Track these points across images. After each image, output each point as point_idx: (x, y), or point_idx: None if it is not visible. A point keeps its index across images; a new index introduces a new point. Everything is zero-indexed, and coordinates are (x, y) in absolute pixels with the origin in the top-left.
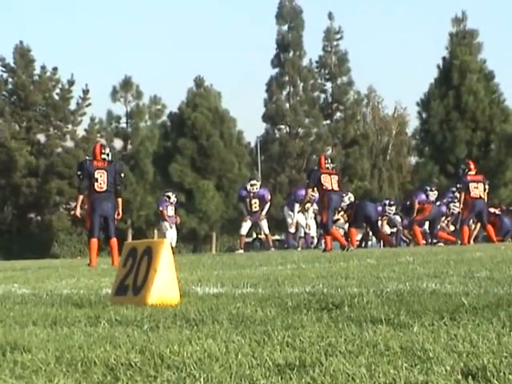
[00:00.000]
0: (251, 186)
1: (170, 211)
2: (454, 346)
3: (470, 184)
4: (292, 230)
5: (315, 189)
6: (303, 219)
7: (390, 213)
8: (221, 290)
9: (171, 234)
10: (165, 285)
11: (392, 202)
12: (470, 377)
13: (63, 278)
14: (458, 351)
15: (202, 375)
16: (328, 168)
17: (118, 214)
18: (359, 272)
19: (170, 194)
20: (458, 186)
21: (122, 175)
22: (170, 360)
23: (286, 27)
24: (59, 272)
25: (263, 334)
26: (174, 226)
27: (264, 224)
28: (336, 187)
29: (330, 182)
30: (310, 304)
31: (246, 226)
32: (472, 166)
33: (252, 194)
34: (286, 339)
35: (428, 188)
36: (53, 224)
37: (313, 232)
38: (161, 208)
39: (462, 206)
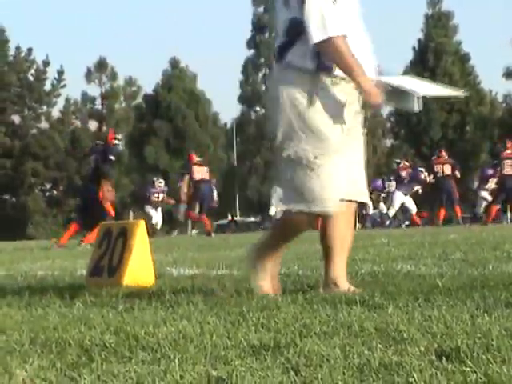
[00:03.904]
0: None
1: (155, 197)
2: (428, 328)
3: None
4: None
5: None
6: None
7: (390, 189)
8: (196, 271)
9: (157, 218)
10: (140, 266)
11: (392, 178)
12: (443, 357)
13: (38, 259)
14: (432, 332)
15: (176, 356)
16: None
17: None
18: None
19: (155, 179)
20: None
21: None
22: (144, 341)
23: (261, 9)
24: (34, 253)
25: (238, 315)
26: (159, 210)
27: None
28: None
29: None
30: (285, 285)
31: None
32: (509, 145)
33: None
34: (260, 320)
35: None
36: (28, 205)
37: None
38: (147, 193)
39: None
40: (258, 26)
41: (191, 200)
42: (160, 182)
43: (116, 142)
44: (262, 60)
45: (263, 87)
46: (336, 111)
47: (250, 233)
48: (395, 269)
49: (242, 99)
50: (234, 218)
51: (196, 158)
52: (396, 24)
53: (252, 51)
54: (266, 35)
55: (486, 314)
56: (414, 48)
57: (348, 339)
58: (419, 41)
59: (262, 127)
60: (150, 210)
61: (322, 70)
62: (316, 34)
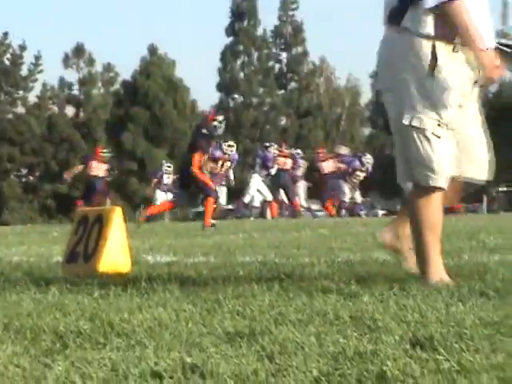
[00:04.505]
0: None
1: (166, 179)
2: (403, 316)
3: None
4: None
5: None
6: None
7: (368, 167)
8: (173, 258)
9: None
10: (115, 253)
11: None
12: (418, 346)
13: (13, 245)
14: (406, 321)
15: (151, 343)
16: None
17: None
18: (311, 242)
19: (164, 162)
20: None
21: None
22: (119, 328)
23: None
24: (9, 239)
25: (214, 302)
26: (169, 194)
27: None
28: None
29: None
30: (261, 273)
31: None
32: None
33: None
34: (236, 308)
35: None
36: (3, 191)
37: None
38: (157, 177)
39: None
40: (237, 13)
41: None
42: (168, 166)
43: (215, 123)
44: (241, 47)
45: (241, 75)
46: (454, 81)
47: (228, 220)
48: (371, 257)
49: (220, 87)
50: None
51: (101, 153)
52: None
53: (231, 38)
54: (245, 22)
55: (460, 304)
56: None
57: (323, 327)
58: None
59: (241, 115)
60: (159, 193)
61: (441, 37)
62: None
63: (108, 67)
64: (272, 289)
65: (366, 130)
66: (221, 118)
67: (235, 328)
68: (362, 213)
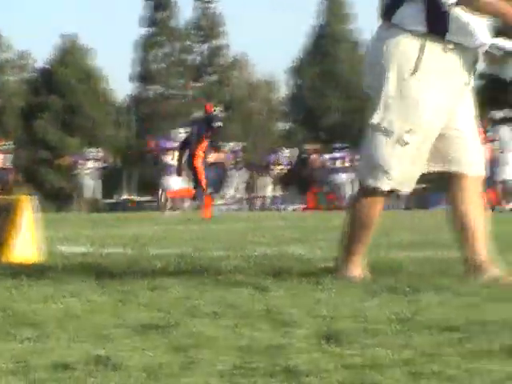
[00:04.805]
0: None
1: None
2: (316, 310)
3: None
4: None
5: None
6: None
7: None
8: (89, 249)
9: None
10: (26, 242)
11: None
12: (330, 340)
13: None
14: (319, 315)
15: (63, 334)
16: None
17: None
18: (229, 235)
19: None
20: None
21: None
22: (31, 318)
23: None
24: None
25: (128, 294)
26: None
27: None
28: None
29: None
30: (178, 266)
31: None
32: None
33: None
34: (151, 300)
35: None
36: None
37: None
38: None
39: None
40: (155, 4)
41: None
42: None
43: (216, 112)
44: (159, 38)
45: (159, 66)
46: (440, 82)
47: (144, 212)
48: (288, 252)
49: (138, 77)
50: (129, 197)
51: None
52: (294, 9)
53: (149, 29)
54: (163, 13)
55: (373, 299)
56: (311, 33)
57: (236, 320)
58: (316, 26)
59: (158, 106)
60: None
61: (433, 34)
62: None
63: (23, 54)
64: (188, 281)
65: (283, 125)
66: (219, 107)
67: (149, 320)
68: (282, 207)
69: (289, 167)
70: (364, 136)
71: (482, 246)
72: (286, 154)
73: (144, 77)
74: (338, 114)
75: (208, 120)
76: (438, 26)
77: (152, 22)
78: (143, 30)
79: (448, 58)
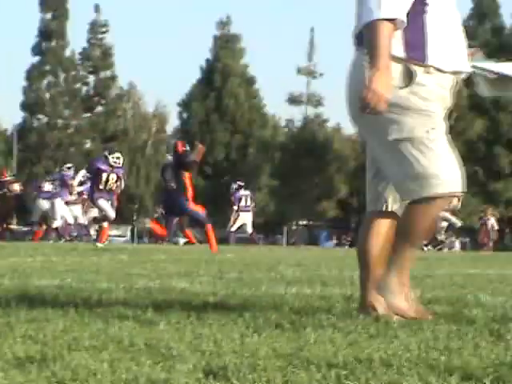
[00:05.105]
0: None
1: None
2: (198, 345)
3: None
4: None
5: None
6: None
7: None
8: None
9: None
10: None
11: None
12: (211, 375)
13: None
14: (201, 350)
15: None
16: None
17: None
18: (110, 267)
19: None
20: None
21: None
22: None
23: (49, 15)
24: None
25: (5, 326)
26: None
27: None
28: None
29: None
30: (58, 297)
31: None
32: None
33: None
34: (28, 332)
35: None
36: None
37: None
38: None
39: None
40: (45, 33)
41: None
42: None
43: (187, 151)
44: (48, 67)
45: (47, 95)
46: (428, 98)
47: (26, 242)
48: (170, 285)
49: (24, 106)
50: (10, 226)
51: None
52: (186, 43)
53: (37, 58)
54: (53, 43)
55: (255, 334)
56: (201, 68)
57: (117, 354)
58: (207, 61)
59: (44, 135)
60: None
61: (412, 59)
62: (369, 13)
63: None
64: (67, 314)
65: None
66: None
67: (26, 353)
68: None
69: None
70: (386, 155)
71: (374, 283)
72: None
73: (31, 106)
74: (226, 148)
75: (180, 159)
76: (416, 51)
77: (41, 51)
78: (35, 59)
79: (430, 80)
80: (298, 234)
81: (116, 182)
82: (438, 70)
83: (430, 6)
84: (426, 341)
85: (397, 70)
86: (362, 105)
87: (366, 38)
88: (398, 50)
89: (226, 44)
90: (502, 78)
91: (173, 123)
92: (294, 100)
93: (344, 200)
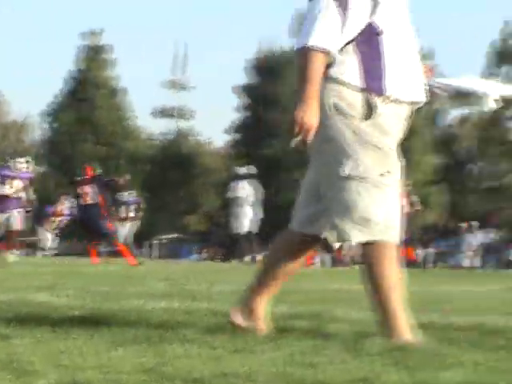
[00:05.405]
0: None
1: None
2: (63, 360)
3: None
4: None
5: None
6: None
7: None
8: None
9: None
10: None
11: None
12: None
13: None
14: (65, 365)
15: None
16: None
17: None
18: None
19: None
20: None
21: None
22: None
23: None
24: None
25: None
26: None
27: None
28: None
29: None
30: None
31: None
32: None
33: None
34: None
35: None
36: None
37: None
38: None
39: None
40: None
41: None
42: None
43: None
44: None
45: None
46: (388, 131)
47: None
48: (30, 298)
49: None
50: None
51: None
52: (52, 52)
53: None
54: None
55: (121, 348)
56: (69, 78)
57: None
58: (75, 71)
59: None
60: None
61: (371, 90)
62: (300, 40)
63: None
64: None
65: (38, 168)
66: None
67: None
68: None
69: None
70: (334, 188)
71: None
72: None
73: None
74: (94, 160)
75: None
76: (375, 81)
77: None
78: None
79: (389, 110)
80: (164, 248)
81: None
82: (396, 100)
83: (386, 35)
84: (292, 355)
85: (357, 100)
86: (291, 139)
87: (296, 63)
88: (357, 79)
89: (95, 54)
90: (462, 94)
91: (39, 134)
92: (160, 113)
93: (209, 214)
